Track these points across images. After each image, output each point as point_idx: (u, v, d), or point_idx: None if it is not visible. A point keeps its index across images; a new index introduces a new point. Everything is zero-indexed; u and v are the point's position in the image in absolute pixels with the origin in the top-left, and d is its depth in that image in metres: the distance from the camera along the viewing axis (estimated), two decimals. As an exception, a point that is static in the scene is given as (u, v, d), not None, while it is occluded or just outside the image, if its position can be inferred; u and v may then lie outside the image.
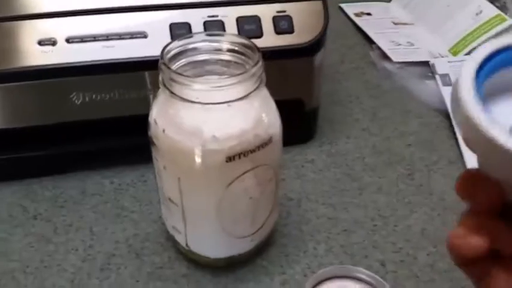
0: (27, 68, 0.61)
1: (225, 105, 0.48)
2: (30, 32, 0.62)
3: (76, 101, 0.63)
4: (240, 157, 0.50)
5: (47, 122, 0.65)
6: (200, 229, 0.56)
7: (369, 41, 1.02)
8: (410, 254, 0.61)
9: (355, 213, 0.66)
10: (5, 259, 0.60)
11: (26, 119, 0.64)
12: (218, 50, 0.53)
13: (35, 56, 0.61)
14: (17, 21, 0.62)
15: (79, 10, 0.63)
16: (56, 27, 0.62)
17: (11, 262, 0.60)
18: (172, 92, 0.48)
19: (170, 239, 0.60)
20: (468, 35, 0.95)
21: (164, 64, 0.49)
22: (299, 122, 0.73)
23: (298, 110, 0.72)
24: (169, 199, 0.54)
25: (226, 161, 0.49)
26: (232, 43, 0.53)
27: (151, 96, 0.64)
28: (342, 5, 1.15)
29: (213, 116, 0.49)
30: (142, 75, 0.63)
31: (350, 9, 1.13)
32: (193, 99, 0.48)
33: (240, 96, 0.48)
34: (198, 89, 0.48)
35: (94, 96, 0.63)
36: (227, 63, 0.53)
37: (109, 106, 0.64)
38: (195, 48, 0.53)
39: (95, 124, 0.66)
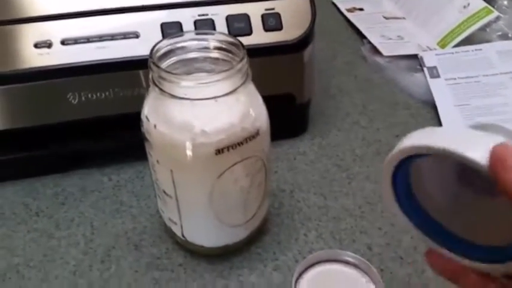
0: (25, 70, 0.63)
1: (213, 100, 0.50)
2: (27, 35, 0.64)
3: (73, 101, 0.65)
4: (228, 150, 0.52)
5: (46, 122, 0.67)
6: (194, 219, 0.58)
7: (361, 35, 1.04)
8: (394, 237, 0.63)
9: (344, 202, 0.68)
10: (10, 254, 0.62)
11: (25, 120, 0.67)
12: (206, 48, 0.55)
13: (32, 58, 0.63)
14: (13, 25, 0.64)
15: (73, 12, 0.65)
16: (51, 29, 0.64)
17: (15, 257, 0.62)
18: (161, 89, 0.51)
19: (168, 231, 0.63)
20: (456, 27, 0.97)
21: (153, 63, 0.51)
22: (291, 116, 0.75)
23: (289, 104, 0.74)
24: (164, 192, 0.57)
25: (216, 154, 0.52)
26: (220, 41, 0.55)
27: (146, 94, 0.66)
28: (335, 1, 1.17)
29: (202, 111, 0.51)
30: (136, 73, 0.65)
31: (342, 4, 1.15)
32: (182, 96, 0.50)
33: (226, 91, 0.51)
34: (186, 85, 0.50)
35: (90, 95, 0.65)
36: (215, 60, 0.55)
37: (105, 105, 0.66)
38: (184, 47, 0.55)
39: (92, 123, 0.68)
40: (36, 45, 0.63)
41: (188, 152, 0.52)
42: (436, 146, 0.37)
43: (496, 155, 0.34)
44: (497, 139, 0.35)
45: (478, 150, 0.35)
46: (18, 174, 0.72)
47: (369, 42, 1.00)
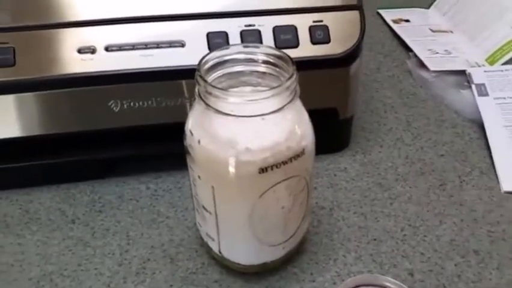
0: (67, 75, 0.62)
1: (259, 117, 0.49)
2: (70, 40, 0.63)
3: (114, 108, 0.64)
4: (272, 168, 0.51)
5: (86, 128, 0.66)
6: (233, 237, 0.57)
7: (406, 48, 1.02)
8: (438, 264, 0.61)
9: (385, 223, 0.66)
10: (44, 262, 0.62)
11: (65, 126, 0.66)
12: (253, 62, 0.54)
13: (75, 64, 0.62)
14: (57, 29, 0.63)
15: (118, 18, 0.64)
16: (95, 35, 0.63)
17: (49, 265, 0.61)
18: (207, 104, 0.50)
19: (204, 245, 0.61)
20: (506, 44, 0.94)
21: (201, 76, 0.50)
22: (333, 131, 0.74)
23: (332, 119, 0.73)
24: (203, 207, 0.56)
25: (259, 172, 0.50)
26: (268, 55, 0.54)
27: (187, 104, 0.65)
28: (381, 11, 1.15)
29: (247, 128, 0.50)
30: (179, 83, 0.64)
31: (388, 15, 1.13)
32: (228, 112, 0.49)
33: (274, 109, 0.49)
34: (233, 102, 0.49)
35: (132, 103, 0.65)
36: (262, 74, 0.54)
37: (146, 114, 0.66)
38: (230, 60, 0.54)
39: (132, 131, 0.67)
40: (79, 51, 0.62)
41: (231, 170, 0.50)
42: None
43: None
44: None
45: None
46: (56, 179, 0.71)
47: (415, 56, 0.97)
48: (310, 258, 0.62)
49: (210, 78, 0.52)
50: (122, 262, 0.62)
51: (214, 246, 0.59)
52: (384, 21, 1.12)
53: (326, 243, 0.64)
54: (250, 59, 0.54)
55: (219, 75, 0.53)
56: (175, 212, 0.67)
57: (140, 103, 0.65)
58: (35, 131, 0.65)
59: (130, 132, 0.67)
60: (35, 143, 0.66)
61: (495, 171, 0.74)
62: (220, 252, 0.59)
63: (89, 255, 0.62)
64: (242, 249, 0.58)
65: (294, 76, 0.50)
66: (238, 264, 0.59)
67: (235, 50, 0.54)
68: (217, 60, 0.53)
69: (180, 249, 0.63)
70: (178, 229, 0.65)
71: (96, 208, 0.68)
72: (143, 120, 0.66)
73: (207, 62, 0.52)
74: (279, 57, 0.53)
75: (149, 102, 0.65)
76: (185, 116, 0.54)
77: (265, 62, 0.54)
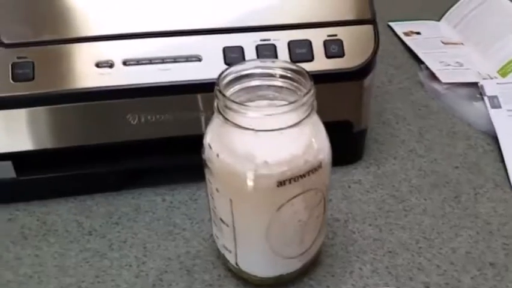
0: (86, 89, 0.63)
1: (277, 131, 0.50)
2: (89, 54, 0.64)
3: (132, 122, 0.65)
4: (290, 182, 0.51)
5: (103, 141, 0.67)
6: (250, 249, 0.57)
7: (418, 60, 1.02)
8: (454, 277, 0.62)
9: (401, 235, 0.67)
10: (62, 274, 0.62)
11: (83, 138, 0.67)
12: (271, 76, 0.55)
13: (93, 78, 0.63)
14: (76, 44, 0.64)
15: (135, 33, 0.65)
16: (113, 50, 0.64)
17: (67, 277, 0.62)
18: (226, 118, 0.50)
19: (221, 257, 0.62)
20: (517, 56, 0.95)
21: (220, 91, 0.50)
22: (347, 144, 0.74)
23: (346, 131, 0.73)
24: (221, 219, 0.56)
25: (277, 186, 0.51)
26: (285, 69, 0.54)
27: (202, 118, 0.66)
28: (391, 24, 1.15)
29: (265, 141, 0.50)
30: (195, 97, 0.65)
31: (399, 27, 1.14)
32: (247, 126, 0.49)
33: (291, 123, 0.50)
34: (252, 116, 0.49)
35: (148, 116, 0.65)
36: (279, 88, 0.55)
37: (163, 126, 0.66)
38: (248, 75, 0.54)
39: (148, 143, 0.68)
40: (97, 65, 0.63)
41: (249, 183, 0.51)
42: None
43: None
44: None
45: None
46: (72, 192, 0.72)
47: (427, 68, 0.98)
48: (327, 270, 0.63)
49: (228, 92, 0.52)
50: (139, 274, 0.62)
51: (231, 258, 0.59)
52: (395, 33, 1.13)
53: (342, 255, 0.64)
54: (267, 73, 0.55)
55: (237, 89, 0.53)
56: (191, 224, 0.68)
57: (157, 116, 0.65)
58: (54, 144, 0.66)
59: (146, 144, 0.68)
60: (53, 156, 0.67)
61: (509, 183, 0.74)
62: (237, 264, 0.59)
63: (106, 267, 0.63)
64: (259, 261, 0.58)
65: (312, 91, 0.51)
66: (255, 276, 0.59)
67: (253, 64, 0.55)
68: (235, 75, 0.53)
69: (196, 261, 0.63)
70: (194, 241, 0.66)
71: (113, 220, 0.69)
72: (159, 133, 0.67)
73: (225, 76, 0.52)
74: (296, 71, 0.54)
75: (166, 115, 0.65)
76: (200, 128, 0.55)
77: (282, 77, 0.54)
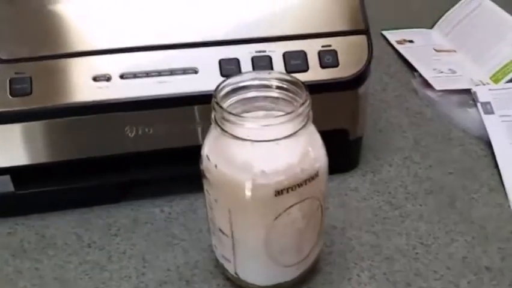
0: (83, 103, 0.63)
1: (274, 142, 0.50)
2: (86, 69, 0.64)
3: (129, 134, 0.66)
4: (287, 191, 0.52)
5: (101, 153, 0.67)
6: (248, 258, 0.58)
7: (411, 68, 1.03)
8: (451, 282, 0.62)
9: (397, 241, 0.67)
10: (62, 287, 0.62)
11: (81, 151, 0.67)
12: (267, 87, 0.55)
13: (91, 92, 0.64)
14: (73, 58, 0.64)
15: (132, 47, 0.65)
16: (110, 63, 0.65)
17: (67, 289, 0.62)
18: (223, 130, 0.51)
19: (219, 266, 0.62)
20: (509, 62, 0.95)
21: (217, 103, 0.51)
22: (344, 152, 0.75)
23: (342, 139, 0.74)
24: (220, 230, 0.57)
25: (275, 195, 0.51)
26: (281, 80, 0.55)
27: (199, 129, 0.67)
28: (384, 32, 1.16)
29: (262, 152, 0.51)
30: (192, 108, 0.66)
31: (392, 36, 1.14)
32: (244, 137, 0.50)
33: (288, 133, 0.50)
34: (249, 127, 0.50)
35: (146, 129, 0.66)
36: (275, 99, 0.55)
37: (160, 138, 0.67)
38: (245, 86, 0.55)
39: (146, 155, 0.68)
40: (95, 79, 0.64)
41: (248, 193, 0.52)
42: None
43: None
44: None
45: None
46: (71, 204, 0.72)
47: (421, 76, 0.99)
48: (325, 278, 0.63)
49: (225, 104, 0.53)
50: (138, 285, 0.62)
51: (230, 268, 0.60)
52: (388, 42, 1.13)
53: (340, 262, 0.65)
54: (263, 84, 0.55)
55: (234, 101, 0.54)
56: (189, 235, 0.68)
57: (155, 128, 0.66)
58: (52, 157, 0.66)
59: (143, 156, 0.68)
60: (52, 170, 0.67)
61: (504, 188, 0.75)
62: (236, 274, 0.60)
63: (106, 279, 0.63)
64: (257, 270, 0.59)
65: (308, 102, 0.51)
66: (253, 284, 0.60)
67: (250, 76, 0.55)
68: (232, 86, 0.54)
69: (195, 272, 0.64)
70: (193, 251, 0.66)
71: (112, 232, 0.69)
72: (157, 145, 0.67)
73: (222, 88, 0.53)
74: (291, 82, 0.54)
75: (163, 127, 0.66)
76: (197, 140, 0.55)
77: (278, 88, 0.55)
